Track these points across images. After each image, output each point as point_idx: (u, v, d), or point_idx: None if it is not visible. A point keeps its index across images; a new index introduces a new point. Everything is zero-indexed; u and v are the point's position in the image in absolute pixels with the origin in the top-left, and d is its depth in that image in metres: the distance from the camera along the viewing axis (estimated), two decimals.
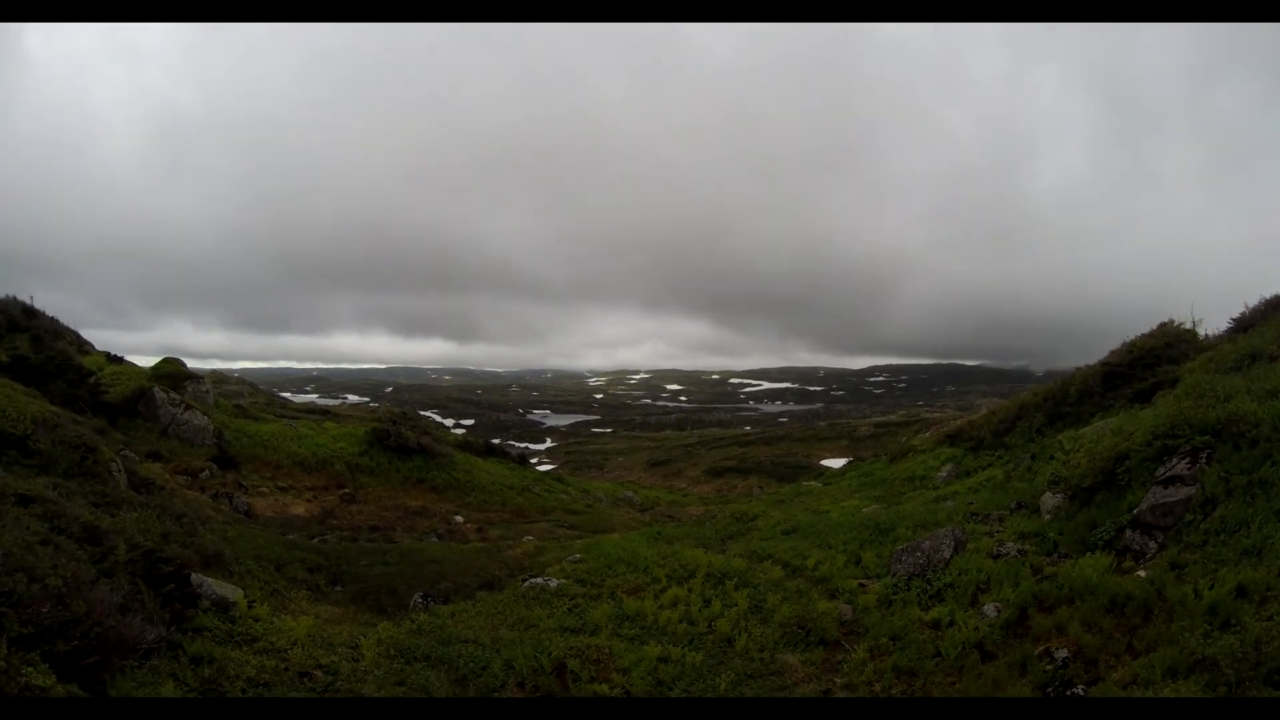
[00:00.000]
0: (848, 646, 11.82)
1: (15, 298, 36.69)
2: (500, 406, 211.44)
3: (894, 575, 13.68)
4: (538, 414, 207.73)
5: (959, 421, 38.02)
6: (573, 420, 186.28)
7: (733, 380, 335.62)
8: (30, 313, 36.08)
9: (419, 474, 31.37)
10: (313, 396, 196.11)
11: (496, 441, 55.26)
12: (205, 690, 8.37)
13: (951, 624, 11.28)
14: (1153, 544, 11.02)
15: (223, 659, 9.30)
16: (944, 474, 27.39)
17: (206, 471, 24.77)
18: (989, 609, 11.18)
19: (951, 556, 13.28)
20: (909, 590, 12.88)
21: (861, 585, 13.95)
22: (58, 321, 37.94)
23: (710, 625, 12.89)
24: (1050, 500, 14.82)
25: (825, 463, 72.72)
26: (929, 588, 12.72)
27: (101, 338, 39.17)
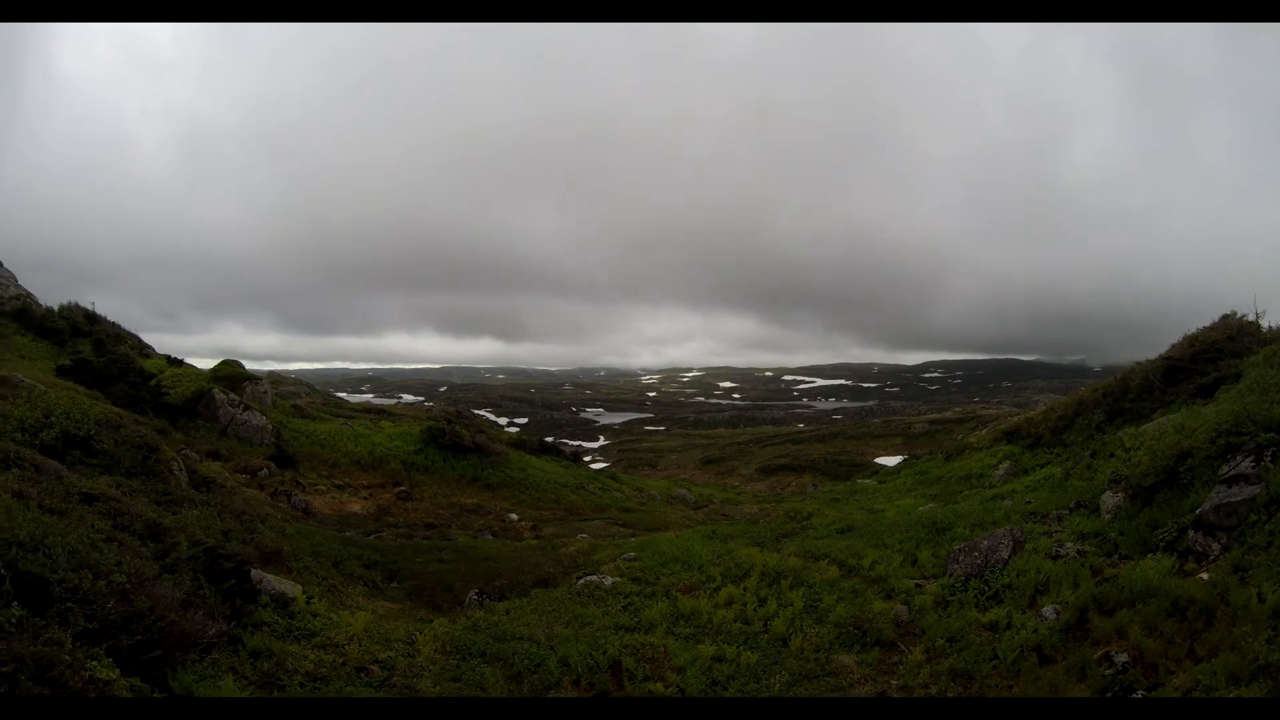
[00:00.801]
0: (904, 648, 11.62)
1: (77, 304, 37.71)
2: (553, 405, 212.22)
3: (951, 575, 13.43)
4: (591, 412, 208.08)
5: (1016, 418, 37.36)
6: (626, 418, 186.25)
7: (786, 377, 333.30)
8: (92, 318, 37.07)
9: (474, 472, 31.58)
10: (368, 396, 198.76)
11: (550, 440, 55.49)
12: (264, 683, 8.45)
13: (1009, 626, 11.04)
14: (1216, 545, 10.65)
15: (281, 653, 9.40)
16: (1001, 472, 26.92)
17: (265, 470, 25.18)
18: (1048, 611, 10.92)
19: (1010, 557, 13.00)
20: (966, 591, 12.64)
21: (918, 585, 13.72)
22: (119, 326, 38.91)
23: (765, 625, 12.76)
24: (1110, 499, 14.45)
25: (880, 460, 71.84)
26: (987, 589, 12.46)
27: (157, 341, 40.24)
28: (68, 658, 5.45)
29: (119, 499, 10.89)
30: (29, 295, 36.47)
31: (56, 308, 36.28)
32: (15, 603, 5.67)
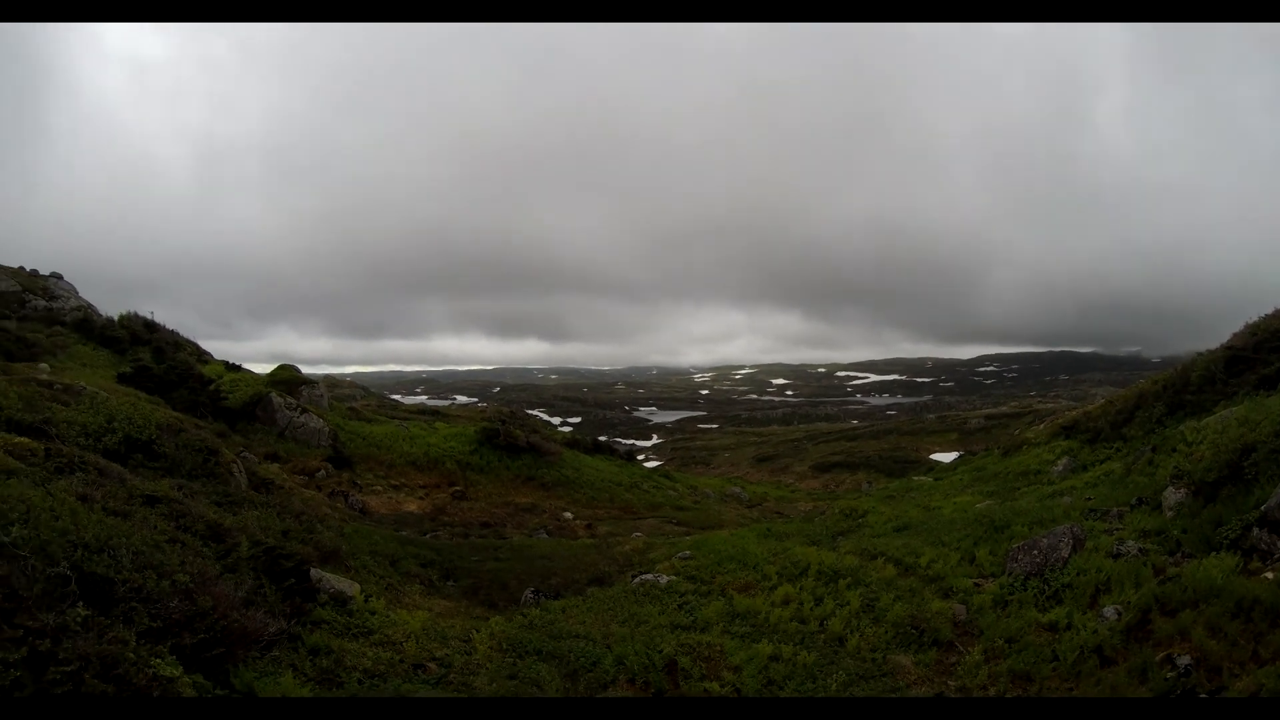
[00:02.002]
0: (962, 648, 11.41)
1: (136, 314, 38.75)
2: (606, 404, 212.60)
3: (1010, 574, 13.14)
4: (644, 411, 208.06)
5: (1074, 412, 36.60)
6: (679, 416, 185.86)
7: (839, 373, 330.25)
8: (151, 327, 38.05)
9: (528, 471, 31.75)
10: (422, 398, 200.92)
11: (603, 439, 55.65)
12: (322, 680, 8.54)
13: (1069, 627, 10.77)
14: None
15: (340, 650, 9.51)
16: (1059, 468, 26.37)
17: (322, 471, 25.56)
18: (1109, 611, 10.63)
19: (1069, 555, 12.68)
20: (1025, 590, 12.37)
21: (976, 584, 13.47)
22: (177, 334, 39.91)
23: (822, 624, 12.61)
24: (1173, 496, 14.03)
25: (935, 457, 70.88)
26: (1046, 588, 12.17)
27: (212, 348, 41.32)
28: (132, 656, 5.53)
29: (181, 501, 11.10)
30: (90, 306, 37.56)
31: (116, 318, 37.35)
32: (80, 603, 5.78)
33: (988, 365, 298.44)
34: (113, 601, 6.33)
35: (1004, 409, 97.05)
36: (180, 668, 6.04)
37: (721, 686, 10.46)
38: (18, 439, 11.83)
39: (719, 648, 11.59)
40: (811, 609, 13.16)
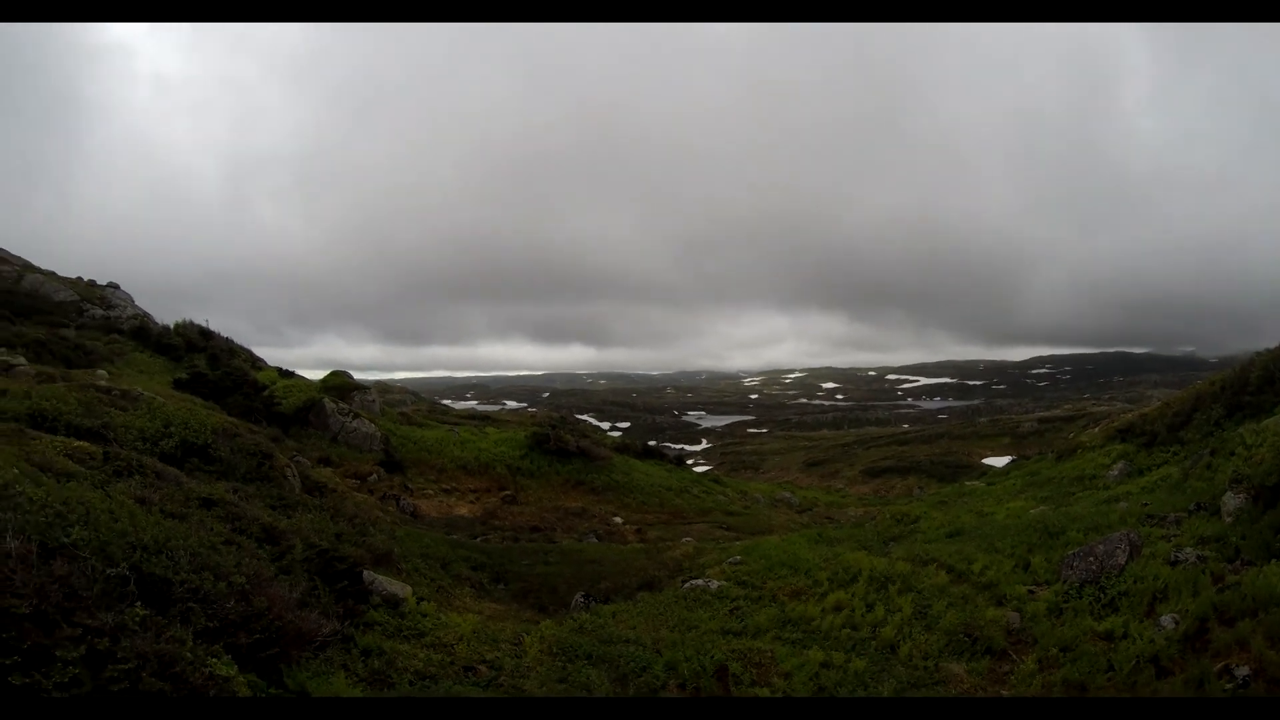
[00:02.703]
0: (1015, 657, 11.17)
1: (191, 321, 39.68)
2: (655, 409, 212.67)
3: (1064, 581, 12.83)
4: (693, 415, 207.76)
5: (1129, 415, 35.76)
6: (728, 421, 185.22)
7: (889, 376, 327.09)
8: (206, 334, 38.94)
9: (578, 476, 31.84)
10: (472, 403, 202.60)
11: (653, 443, 55.58)
12: (374, 681, 8.61)
13: (1125, 635, 10.46)
14: None
15: (392, 652, 9.57)
16: (1115, 473, 25.77)
17: (374, 475, 25.85)
18: (1166, 620, 10.31)
19: (1126, 562, 12.34)
20: (1080, 598, 12.07)
21: (1030, 592, 13.19)
22: (231, 341, 40.77)
23: (874, 631, 12.43)
24: (1232, 501, 13.59)
25: (987, 461, 69.77)
26: (1102, 596, 11.85)
27: (261, 354, 42.25)
28: (188, 655, 5.61)
29: (236, 504, 11.27)
30: (146, 315, 38.53)
31: (172, 325, 38.26)
32: (139, 602, 5.86)
33: (1040, 367, 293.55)
34: (170, 601, 6.43)
35: (1057, 412, 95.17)
36: (235, 667, 6.11)
37: (772, 693, 10.37)
38: (77, 443, 12.10)
39: (770, 654, 11.48)
40: (863, 615, 12.98)
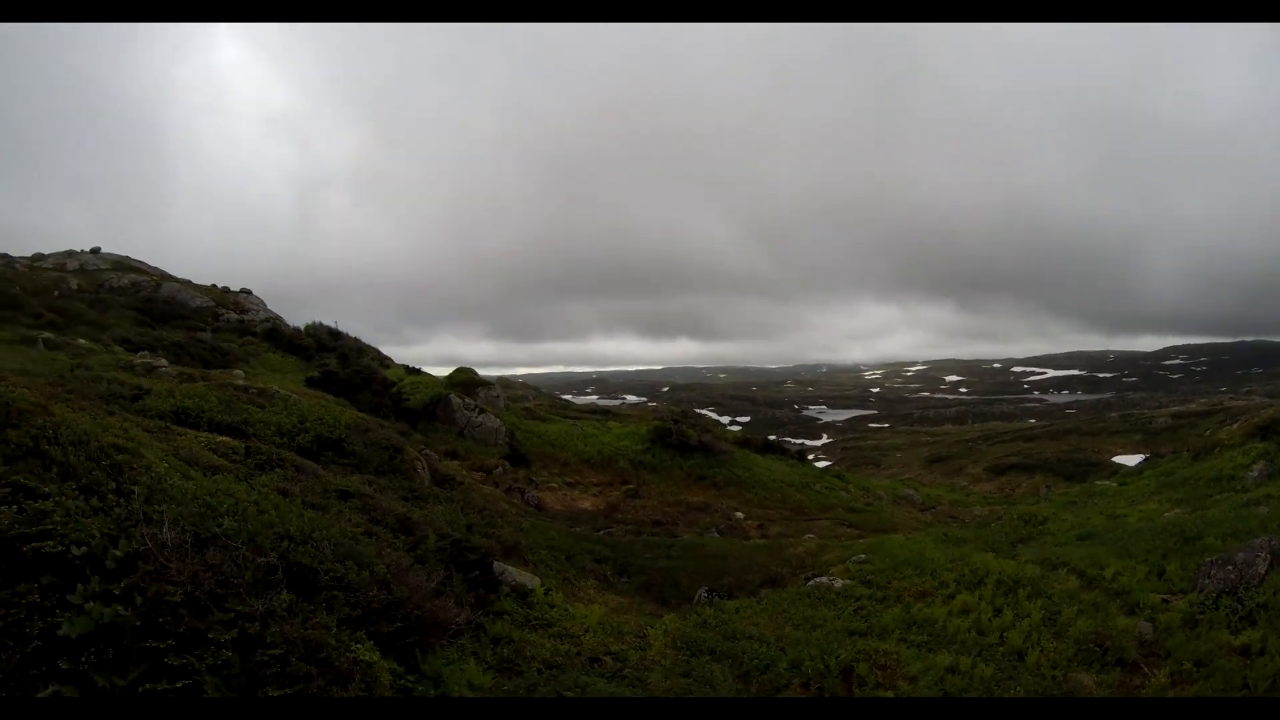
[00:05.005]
0: (1147, 670, 10.57)
1: (321, 323, 41.53)
2: (775, 403, 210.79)
3: (1200, 591, 12.05)
4: (813, 409, 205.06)
5: (1270, 410, 33.42)
6: (849, 415, 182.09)
7: (1015, 369, 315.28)
8: (335, 334, 40.71)
9: (699, 470, 31.85)
10: (593, 398, 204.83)
11: (773, 438, 55.12)
12: (503, 668, 8.83)
13: (1263, 652, 9.74)
14: None
15: (520, 641, 9.80)
16: (1255, 473, 24.19)
17: (500, 468, 26.47)
18: None
19: (1266, 572, 11.45)
20: (1217, 609, 11.31)
21: (1165, 601, 12.45)
22: (360, 341, 42.50)
23: (1001, 637, 12.00)
24: None
25: (1117, 459, 66.52)
26: (1239, 607, 11.03)
27: (386, 353, 43.82)
28: (333, 641, 5.85)
29: (371, 495, 11.71)
30: (278, 318, 40.56)
31: (303, 327, 40.07)
32: (286, 590, 6.14)
33: (1173, 358, 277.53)
34: (315, 590, 6.72)
35: (1192, 406, 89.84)
36: (377, 653, 6.35)
37: (897, 696, 10.19)
38: (220, 438, 12.77)
39: (895, 656, 11.24)
40: (990, 620, 12.55)
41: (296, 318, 41.94)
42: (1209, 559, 12.68)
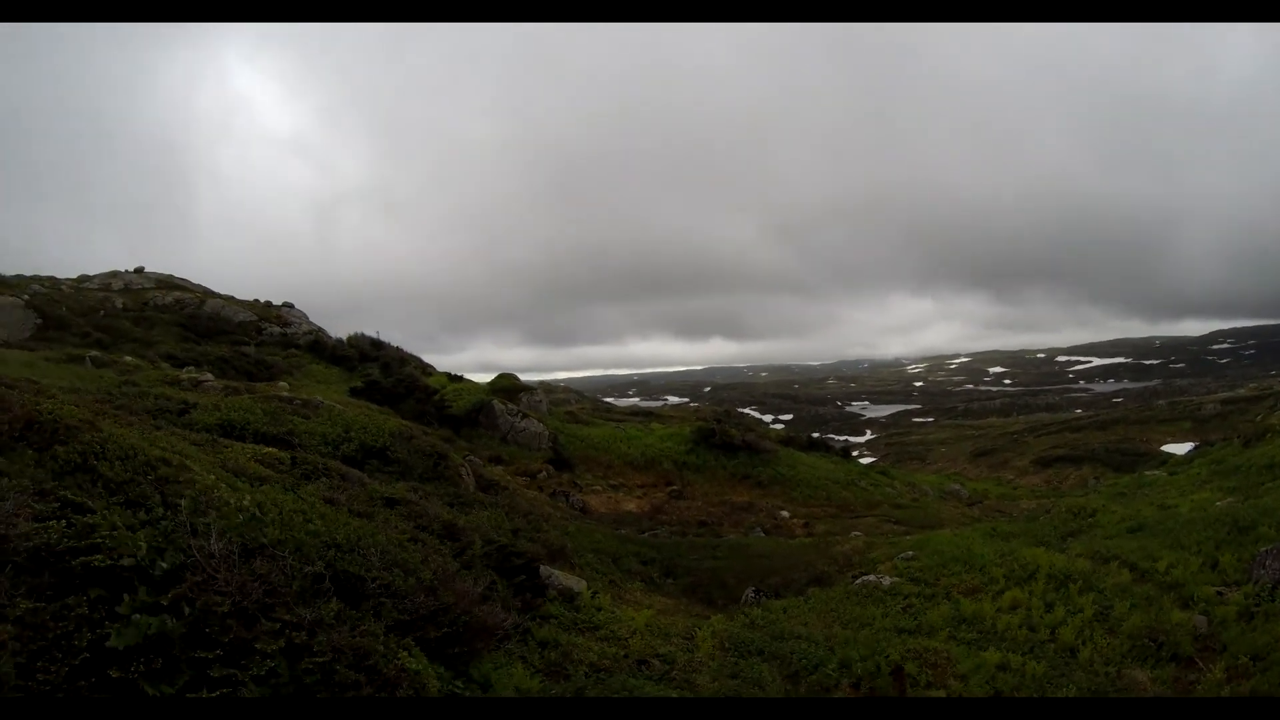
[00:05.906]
0: (1202, 665, 10.29)
1: (363, 334, 42.10)
2: (818, 400, 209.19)
3: (1256, 583, 11.71)
4: (856, 405, 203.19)
5: None
6: (893, 410, 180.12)
7: (1059, 358, 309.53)
8: (377, 344, 41.19)
9: (743, 470, 31.69)
10: (635, 400, 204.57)
11: (817, 435, 54.72)
12: (550, 672, 8.81)
13: None
14: None
15: (567, 644, 9.77)
16: None
17: (544, 473, 26.54)
18: None
19: None
20: (1273, 601, 10.98)
21: (1219, 593, 12.14)
22: (401, 350, 42.99)
23: (1052, 633, 11.77)
24: None
25: (1167, 448, 65.18)
26: None
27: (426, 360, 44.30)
28: (380, 648, 5.85)
29: (416, 502, 11.77)
30: (320, 330, 41.13)
31: (345, 338, 40.61)
32: (334, 598, 6.16)
33: (1221, 342, 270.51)
34: (363, 597, 6.74)
35: (1242, 392, 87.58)
36: (425, 659, 6.35)
37: (949, 695, 10.03)
38: (266, 449, 12.89)
39: (945, 654, 11.06)
40: (1041, 616, 12.31)
41: (331, 331, 42.54)
42: (1264, 549, 12.38)
